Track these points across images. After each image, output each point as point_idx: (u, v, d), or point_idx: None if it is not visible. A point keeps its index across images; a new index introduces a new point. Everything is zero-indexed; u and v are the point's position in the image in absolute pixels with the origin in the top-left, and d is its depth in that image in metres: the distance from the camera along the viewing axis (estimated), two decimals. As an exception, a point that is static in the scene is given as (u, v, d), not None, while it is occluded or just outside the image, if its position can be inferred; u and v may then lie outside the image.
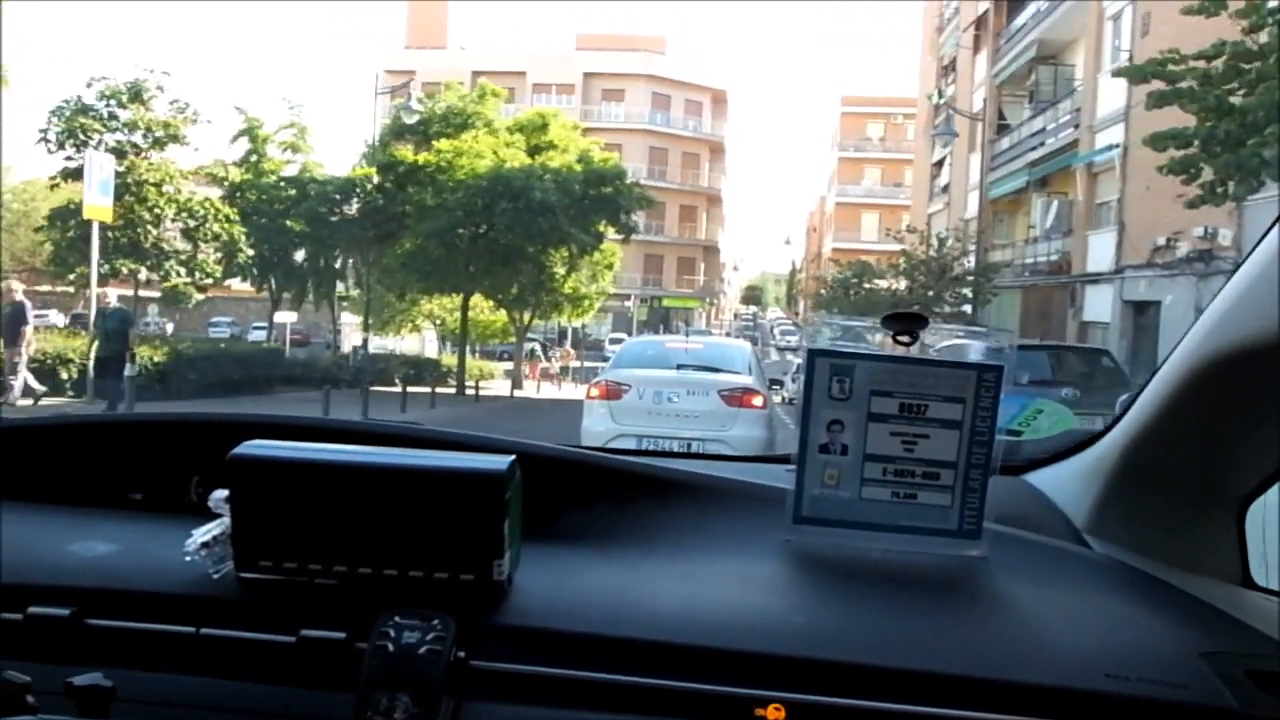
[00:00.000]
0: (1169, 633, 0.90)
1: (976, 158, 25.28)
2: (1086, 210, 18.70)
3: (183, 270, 18.86)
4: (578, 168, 22.15)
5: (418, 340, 31.39)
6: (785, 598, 0.97)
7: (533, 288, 22.94)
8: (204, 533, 0.89)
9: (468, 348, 26.94)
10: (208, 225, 18.94)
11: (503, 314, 25.32)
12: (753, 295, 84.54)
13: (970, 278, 20.32)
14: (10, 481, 1.09)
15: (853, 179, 53.36)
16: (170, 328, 30.36)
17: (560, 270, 23.26)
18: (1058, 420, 1.29)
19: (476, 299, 24.25)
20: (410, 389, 19.03)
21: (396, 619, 0.80)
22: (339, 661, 0.80)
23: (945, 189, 29.89)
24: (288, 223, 22.25)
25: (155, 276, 18.90)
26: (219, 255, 19.94)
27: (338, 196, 22.37)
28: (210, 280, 19.92)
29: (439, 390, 20.84)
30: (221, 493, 0.89)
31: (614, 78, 44.79)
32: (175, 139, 18.58)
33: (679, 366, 8.06)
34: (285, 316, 27.30)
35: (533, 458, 1.00)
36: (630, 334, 30.63)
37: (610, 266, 27.06)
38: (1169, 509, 1.06)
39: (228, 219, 19.28)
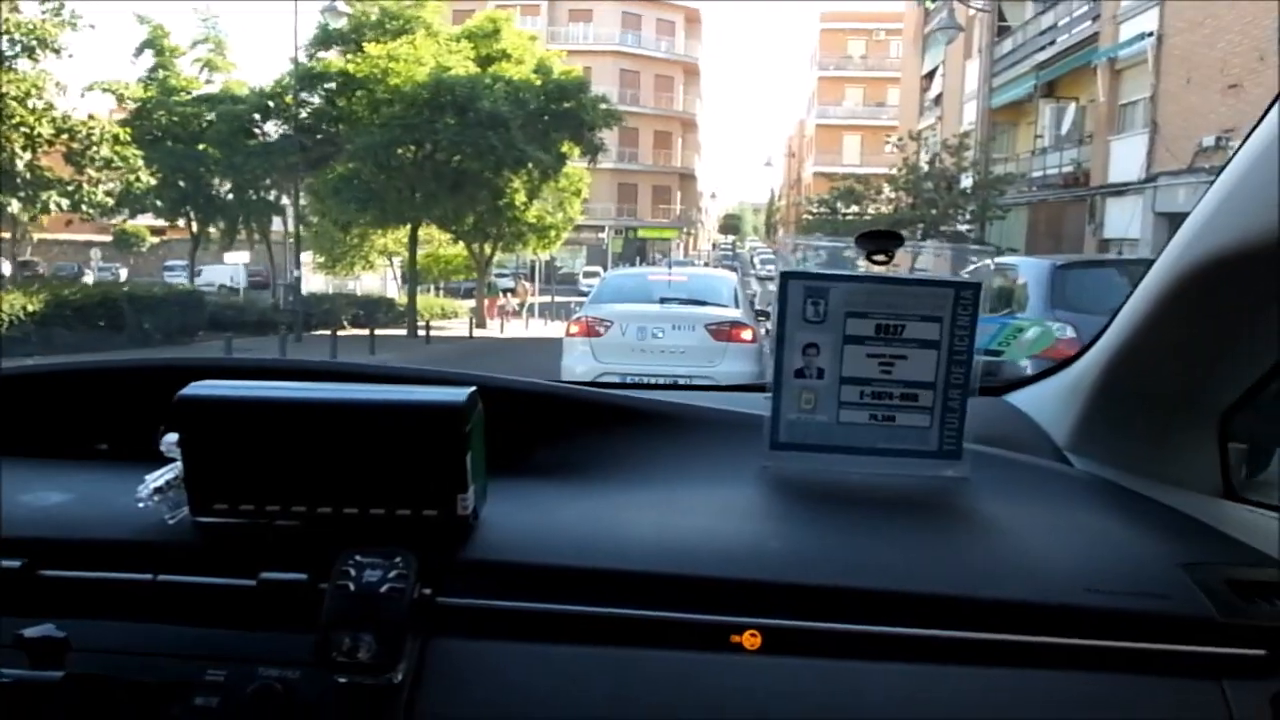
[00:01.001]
0: (1149, 545, 0.93)
1: (975, 64, 22.80)
2: (1109, 113, 16.22)
3: (65, 203, 15.60)
4: (535, 80, 18.90)
5: (379, 279, 29.66)
6: (762, 524, 0.97)
7: (490, 216, 19.99)
8: (156, 478, 0.89)
9: (431, 285, 24.04)
10: (96, 149, 15.54)
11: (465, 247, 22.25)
12: (731, 224, 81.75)
13: (980, 191, 17.53)
14: None
15: (834, 99, 50.78)
16: (124, 273, 29.23)
17: (521, 197, 20.29)
18: (1039, 339, 1.48)
19: (433, 232, 21.28)
20: (356, 331, 16.28)
21: (357, 558, 0.78)
22: (301, 603, 0.79)
23: (937, 100, 27.22)
24: (204, 148, 18.82)
25: (34, 210, 15.67)
26: (114, 185, 16.53)
27: (255, 115, 18.92)
28: (99, 213, 16.63)
29: (390, 332, 18.32)
30: (173, 436, 0.87)
31: (581, -4, 40.76)
32: (47, 45, 15.07)
33: (662, 300, 7.81)
34: (237, 256, 25.81)
35: (497, 391, 0.98)
36: (605, 267, 29.48)
37: (578, 194, 25.09)
38: (1150, 424, 1.07)
39: (117, 140, 15.91)
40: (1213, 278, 0.88)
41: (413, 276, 22.46)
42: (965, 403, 1.02)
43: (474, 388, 0.87)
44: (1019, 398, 1.30)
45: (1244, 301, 0.89)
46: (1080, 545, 0.91)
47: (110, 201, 18.16)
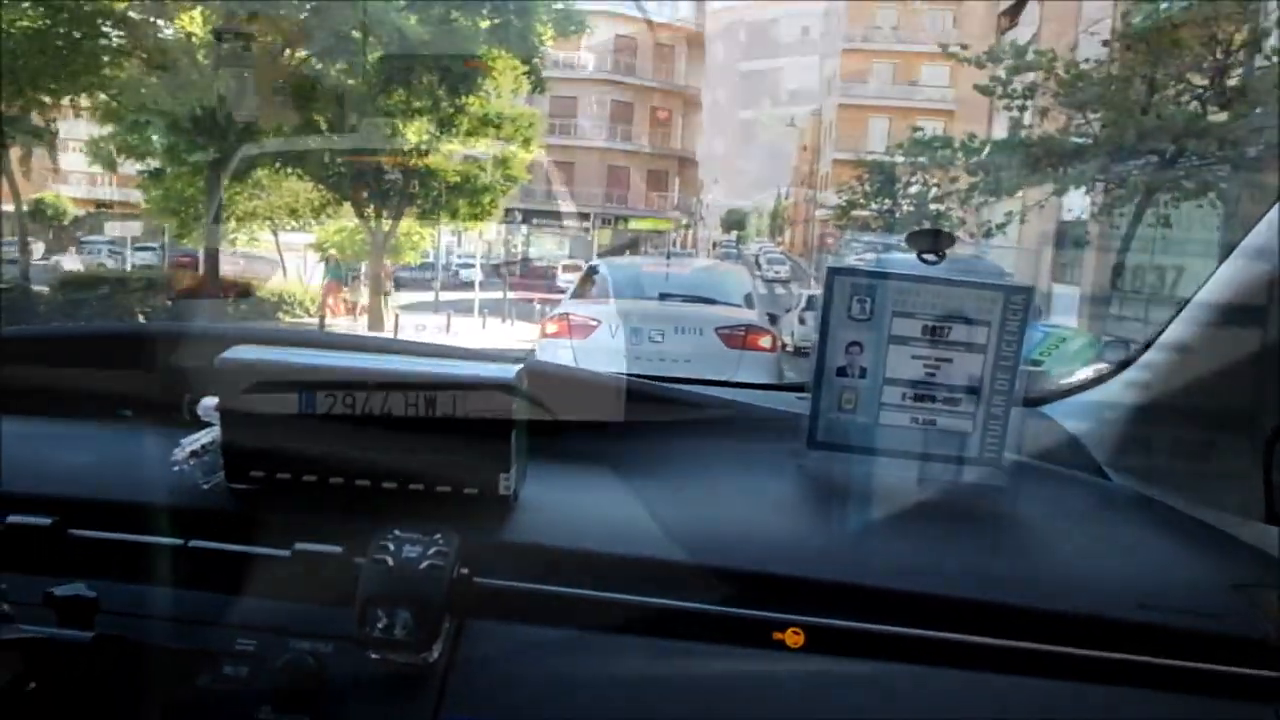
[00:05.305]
0: (1199, 564, 0.99)
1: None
2: None
3: None
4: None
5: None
6: (800, 520, 1.05)
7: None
8: (193, 441, 0.93)
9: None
10: None
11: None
12: (735, 219, 72.58)
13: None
14: None
15: (859, 76, 41.06)
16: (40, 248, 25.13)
17: (414, 127, 11.33)
18: (1081, 350, 1.42)
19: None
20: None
21: (396, 533, 0.81)
22: (335, 577, 0.82)
23: (1030, 44, 17.81)
24: None
25: None
26: None
27: None
28: None
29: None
30: (211, 400, 0.93)
31: (565, -51, 33.20)
32: None
33: (662, 296, 6.45)
34: (125, 228, 20.36)
35: (541, 374, 1.05)
36: (590, 261, 19.08)
37: (528, 143, 17.54)
38: (1194, 443, 1.14)
39: None
40: (1265, 298, 0.94)
41: (211, 242, 13.12)
42: (1009, 410, 1.10)
43: (521, 365, 0.93)
44: (1058, 410, 1.33)
45: None
46: (1127, 560, 0.97)
47: None
